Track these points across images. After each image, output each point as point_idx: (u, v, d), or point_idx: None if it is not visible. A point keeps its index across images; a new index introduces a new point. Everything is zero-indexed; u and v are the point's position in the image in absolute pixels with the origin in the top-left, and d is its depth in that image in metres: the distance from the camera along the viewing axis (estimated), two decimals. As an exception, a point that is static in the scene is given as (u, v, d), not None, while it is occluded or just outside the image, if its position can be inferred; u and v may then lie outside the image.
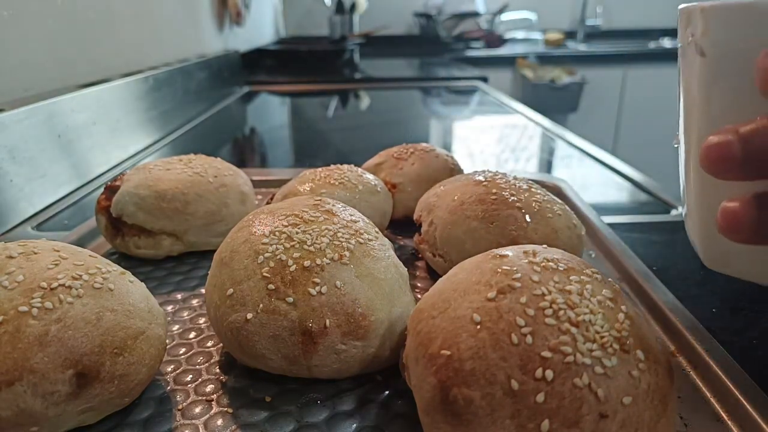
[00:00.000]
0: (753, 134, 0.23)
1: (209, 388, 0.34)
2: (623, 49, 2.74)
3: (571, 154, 0.95)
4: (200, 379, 0.34)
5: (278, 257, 0.33)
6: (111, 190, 0.50)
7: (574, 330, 0.25)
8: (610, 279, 0.29)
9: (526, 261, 0.29)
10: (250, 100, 1.57)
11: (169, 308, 0.43)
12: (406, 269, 0.37)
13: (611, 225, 0.55)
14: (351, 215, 0.38)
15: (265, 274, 0.32)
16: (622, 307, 0.27)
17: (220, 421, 0.31)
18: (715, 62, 0.28)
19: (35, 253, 0.31)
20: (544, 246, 0.32)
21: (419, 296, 0.44)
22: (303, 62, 2.06)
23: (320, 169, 0.54)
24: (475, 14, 2.94)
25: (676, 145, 0.34)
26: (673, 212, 0.64)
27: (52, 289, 0.29)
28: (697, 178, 0.31)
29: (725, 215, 0.25)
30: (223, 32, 1.62)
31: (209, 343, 0.38)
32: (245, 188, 0.54)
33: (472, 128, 1.27)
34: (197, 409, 0.32)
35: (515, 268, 0.28)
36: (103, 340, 0.29)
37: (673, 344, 0.38)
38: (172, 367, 0.35)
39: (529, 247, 0.31)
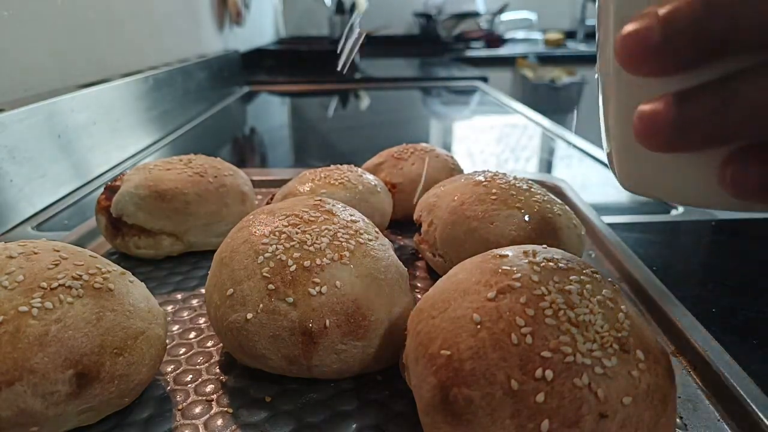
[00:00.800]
0: (673, 15, 0.20)
1: (209, 388, 0.34)
2: (623, 49, 2.73)
3: (571, 154, 0.95)
4: (200, 379, 0.34)
5: (278, 257, 0.33)
6: (111, 190, 0.50)
7: (574, 330, 0.25)
8: (610, 279, 0.29)
9: (526, 261, 0.29)
10: (250, 100, 1.57)
11: (169, 308, 0.43)
12: (406, 269, 0.37)
13: (611, 225, 0.55)
14: (351, 215, 0.38)
15: (265, 274, 0.32)
16: (622, 307, 0.27)
17: (220, 421, 0.31)
18: None
19: (35, 253, 0.31)
20: (544, 246, 0.32)
21: (419, 296, 0.44)
22: (303, 62, 2.07)
23: (320, 169, 0.54)
24: (475, 14, 2.94)
25: (597, 76, 0.30)
26: (673, 212, 0.64)
27: (52, 289, 0.29)
28: (615, 87, 0.27)
29: (643, 117, 0.22)
30: (223, 32, 1.62)
31: (209, 343, 0.38)
32: (245, 188, 0.54)
33: (472, 128, 1.27)
34: (197, 409, 0.32)
35: (515, 268, 0.28)
36: (103, 340, 0.29)
37: (673, 344, 0.38)
38: (172, 367, 0.35)
39: (529, 247, 0.31)
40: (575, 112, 2.58)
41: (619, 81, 0.26)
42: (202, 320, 0.41)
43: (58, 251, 0.32)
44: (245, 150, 1.10)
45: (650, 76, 0.22)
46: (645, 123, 0.22)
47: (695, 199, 0.25)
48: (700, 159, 0.23)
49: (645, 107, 0.22)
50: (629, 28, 0.21)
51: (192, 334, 0.39)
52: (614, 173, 0.28)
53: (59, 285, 0.29)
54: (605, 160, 0.28)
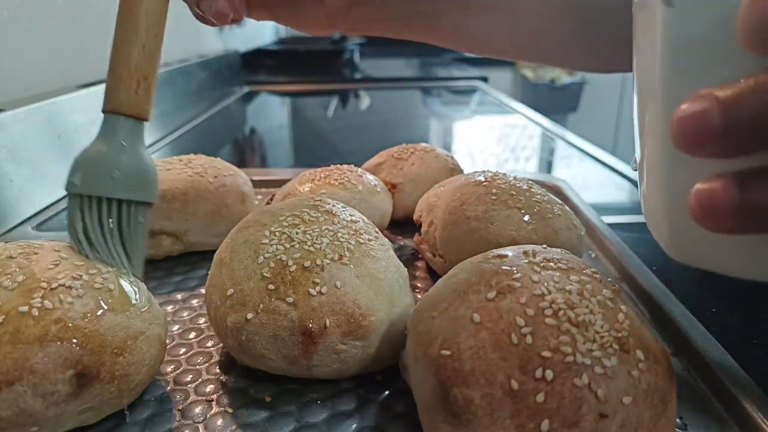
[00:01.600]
0: (735, 100, 0.19)
1: (209, 388, 0.34)
2: (623, 49, 2.73)
3: (571, 154, 0.95)
4: (200, 379, 0.34)
5: (278, 257, 0.33)
6: (111, 190, 0.50)
7: (573, 330, 0.25)
8: (610, 279, 0.29)
9: (526, 261, 0.29)
10: (250, 100, 1.57)
11: (169, 308, 0.43)
12: (406, 269, 0.37)
13: (611, 225, 0.55)
14: (351, 215, 0.38)
15: (265, 274, 0.32)
16: (622, 307, 0.27)
17: (220, 421, 0.31)
18: (684, 12, 0.23)
19: (35, 253, 0.31)
20: (544, 246, 0.32)
21: (419, 296, 0.44)
22: (303, 62, 2.06)
23: (320, 169, 0.54)
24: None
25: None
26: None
27: (52, 289, 0.29)
28: (663, 157, 0.26)
29: (702, 199, 0.20)
30: (223, 32, 1.62)
31: (209, 343, 0.38)
32: (245, 188, 0.54)
33: (472, 128, 1.27)
34: (197, 409, 0.32)
35: (515, 268, 0.28)
36: (103, 340, 0.29)
37: (673, 344, 0.38)
38: (172, 367, 0.35)
39: (529, 247, 0.31)
40: (575, 112, 2.58)
41: (669, 156, 0.25)
42: (202, 320, 0.41)
43: (58, 251, 0.32)
44: (245, 150, 1.10)
45: (708, 158, 0.20)
46: (703, 206, 0.20)
47: (752, 273, 0.25)
48: (758, 237, 0.22)
49: (702, 187, 0.20)
50: (686, 110, 0.20)
51: (192, 334, 0.39)
52: (663, 246, 0.28)
53: (59, 285, 0.29)
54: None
